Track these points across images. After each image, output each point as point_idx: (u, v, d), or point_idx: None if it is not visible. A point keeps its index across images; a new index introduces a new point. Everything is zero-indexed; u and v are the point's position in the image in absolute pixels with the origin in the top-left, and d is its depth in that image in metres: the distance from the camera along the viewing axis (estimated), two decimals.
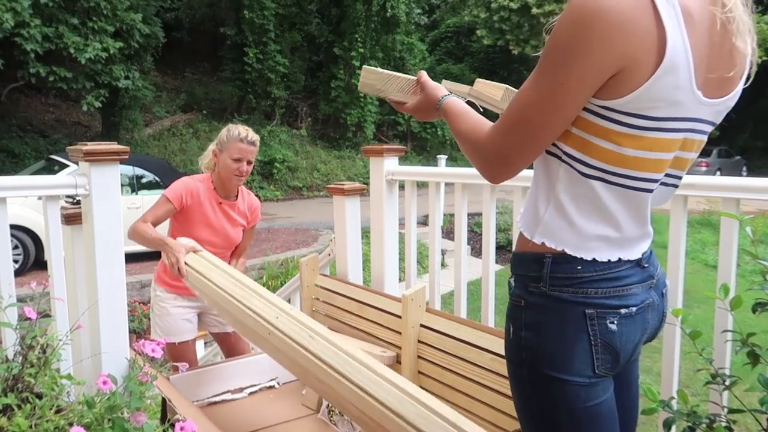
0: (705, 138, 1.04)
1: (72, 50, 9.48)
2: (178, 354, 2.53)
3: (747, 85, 1.06)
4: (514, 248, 1.12)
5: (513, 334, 1.06)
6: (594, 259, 1.00)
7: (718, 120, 1.04)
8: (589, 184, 0.97)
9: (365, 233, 2.90)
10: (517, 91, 1.03)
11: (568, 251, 1.00)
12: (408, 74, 1.32)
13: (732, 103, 1.02)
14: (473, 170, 2.52)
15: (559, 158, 0.99)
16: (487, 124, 1.03)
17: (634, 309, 1.00)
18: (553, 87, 0.89)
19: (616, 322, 0.99)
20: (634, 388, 1.18)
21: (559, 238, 1.01)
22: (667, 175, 1.02)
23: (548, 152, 1.02)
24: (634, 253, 1.03)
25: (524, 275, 1.05)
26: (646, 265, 1.05)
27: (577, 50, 0.85)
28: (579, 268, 0.99)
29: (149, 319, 6.07)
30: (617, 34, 0.83)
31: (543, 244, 1.02)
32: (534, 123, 0.93)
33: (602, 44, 0.84)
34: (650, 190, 1.00)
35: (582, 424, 1.01)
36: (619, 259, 1.01)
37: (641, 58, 0.85)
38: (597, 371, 0.99)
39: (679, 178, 1.07)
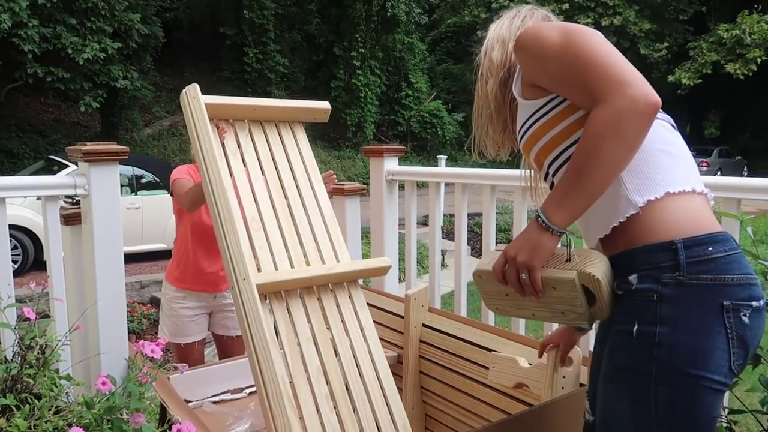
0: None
1: (70, 50, 9.46)
2: (184, 355, 2.53)
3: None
4: (619, 249, 1.05)
5: (639, 332, 0.99)
6: (693, 189, 1.03)
7: None
8: None
9: (365, 233, 2.89)
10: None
11: (671, 190, 1.01)
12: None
13: None
14: (473, 170, 2.52)
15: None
16: (588, 120, 1.00)
17: (762, 302, 1.00)
18: (587, 31, 1.04)
19: (748, 315, 0.97)
20: None
21: (653, 185, 1.02)
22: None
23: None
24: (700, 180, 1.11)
25: (654, 267, 0.99)
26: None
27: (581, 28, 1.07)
28: (710, 249, 0.98)
29: (148, 319, 6.09)
30: None
31: (648, 201, 1.01)
32: (604, 47, 1.01)
33: None
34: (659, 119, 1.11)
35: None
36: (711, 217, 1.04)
37: None
38: (733, 367, 0.97)
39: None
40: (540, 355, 1.52)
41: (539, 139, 1.11)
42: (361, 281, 2.78)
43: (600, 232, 1.08)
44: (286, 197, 1.86)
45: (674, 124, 1.15)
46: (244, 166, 1.83)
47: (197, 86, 1.80)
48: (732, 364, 0.97)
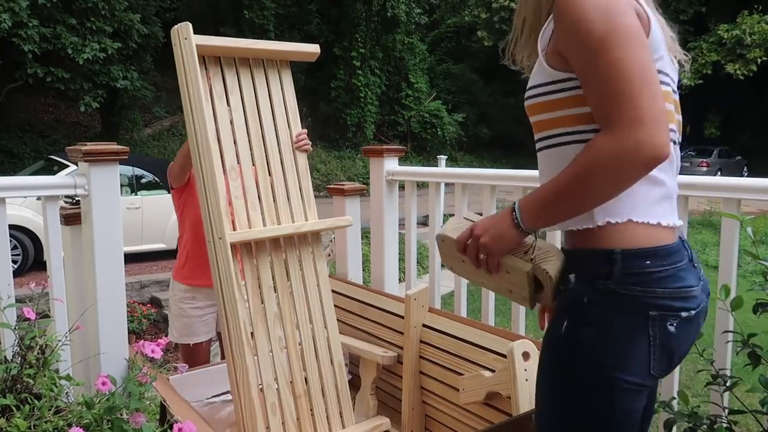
0: (677, 97, 1.12)
1: (70, 51, 9.46)
2: (192, 355, 2.51)
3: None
4: (567, 245, 1.09)
5: (567, 330, 1.02)
6: (659, 223, 0.99)
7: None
8: None
9: (365, 233, 2.89)
10: None
11: (635, 219, 0.98)
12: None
13: (676, 78, 1.11)
14: (473, 170, 2.52)
15: (579, 142, 1.00)
16: (589, 142, 0.95)
17: (693, 312, 1.00)
18: (619, 24, 0.92)
19: (675, 324, 0.98)
20: (654, 398, 1.17)
21: (620, 209, 0.99)
22: (675, 131, 1.07)
23: (563, 143, 1.02)
24: (677, 216, 1.06)
25: (590, 272, 1.01)
26: (696, 265, 1.05)
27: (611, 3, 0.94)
28: (648, 263, 0.97)
29: (148, 319, 6.09)
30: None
31: (608, 223, 0.99)
32: (634, 60, 0.91)
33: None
34: (674, 141, 1.04)
35: (619, 429, 1.01)
36: (680, 240, 1.03)
37: (641, 10, 1.00)
38: (652, 371, 0.99)
39: (676, 132, 1.08)
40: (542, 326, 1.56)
41: (538, 113, 1.07)
42: (360, 282, 2.79)
43: (554, 227, 1.09)
44: (265, 146, 1.96)
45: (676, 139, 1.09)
46: (228, 108, 1.90)
47: (189, 25, 1.82)
48: (652, 369, 0.99)
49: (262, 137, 1.95)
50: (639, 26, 0.94)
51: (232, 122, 1.89)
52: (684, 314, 0.99)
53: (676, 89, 1.10)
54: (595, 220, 1.00)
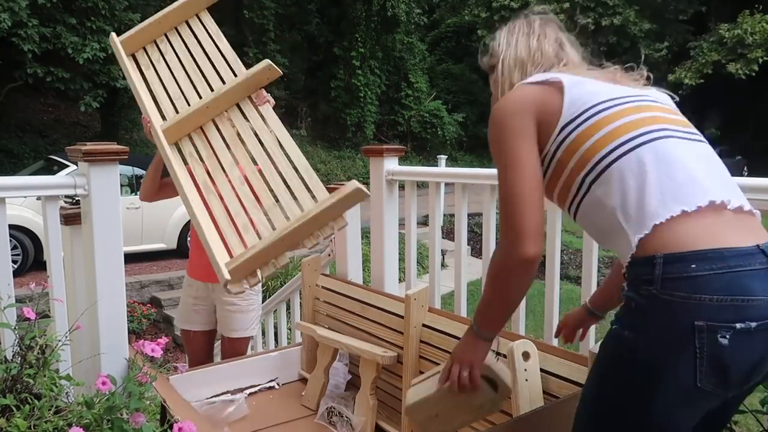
0: (667, 100, 1.23)
1: (70, 50, 9.45)
2: (186, 341, 2.70)
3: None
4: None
5: (615, 331, 1.06)
6: (683, 211, 1.01)
7: (666, 96, 1.24)
8: (627, 177, 1.08)
9: (365, 233, 2.89)
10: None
11: (657, 221, 1.02)
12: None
13: (657, 93, 1.23)
14: (473, 170, 2.51)
15: (584, 195, 1.14)
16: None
17: (753, 324, 0.92)
18: (510, 157, 1.14)
19: (728, 336, 0.92)
20: (726, 419, 1.15)
21: (642, 219, 1.04)
22: (672, 129, 1.12)
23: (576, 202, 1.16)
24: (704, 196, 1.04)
25: (637, 278, 1.03)
26: None
27: (507, 132, 1.17)
28: (693, 266, 0.95)
29: (148, 319, 6.10)
30: (521, 108, 1.17)
31: (640, 240, 1.03)
32: (516, 188, 1.12)
33: (516, 119, 1.17)
34: (653, 140, 1.09)
35: None
36: (757, 246, 0.97)
37: (549, 98, 1.17)
38: (699, 384, 0.95)
39: (691, 132, 1.16)
40: (556, 335, 1.67)
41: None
42: (360, 282, 2.77)
43: (625, 260, 1.11)
44: (209, 84, 2.10)
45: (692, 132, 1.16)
46: (169, 69, 2.17)
47: (114, 34, 2.23)
48: (699, 381, 0.95)
49: (204, 78, 2.10)
50: (521, 125, 1.15)
51: (176, 79, 2.12)
52: (739, 325, 0.92)
53: (641, 97, 1.18)
54: (633, 245, 1.04)
